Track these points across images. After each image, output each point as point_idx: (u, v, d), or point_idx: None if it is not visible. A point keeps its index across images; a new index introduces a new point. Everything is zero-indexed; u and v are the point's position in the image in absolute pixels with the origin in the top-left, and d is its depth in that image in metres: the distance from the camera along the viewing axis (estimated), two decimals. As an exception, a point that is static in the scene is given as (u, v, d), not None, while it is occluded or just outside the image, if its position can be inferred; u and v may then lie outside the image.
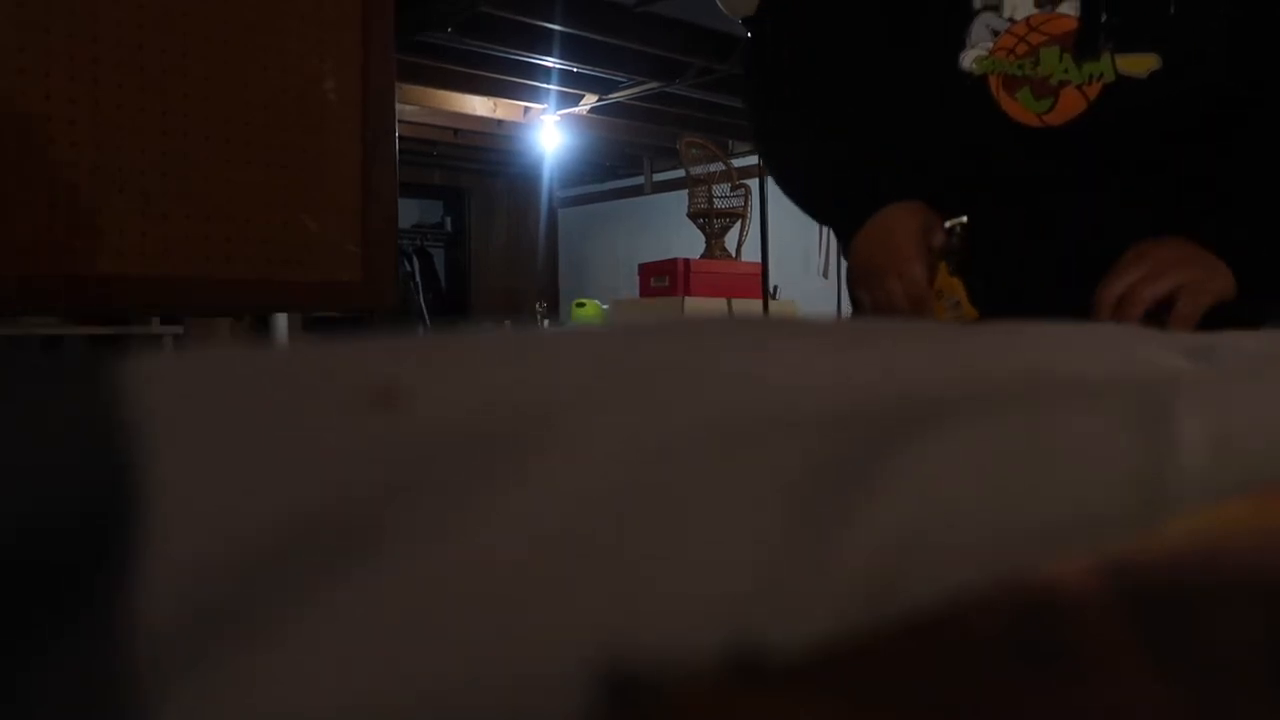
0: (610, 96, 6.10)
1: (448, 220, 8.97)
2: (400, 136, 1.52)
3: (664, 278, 4.93)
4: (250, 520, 0.16)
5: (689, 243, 5.90)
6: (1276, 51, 0.86)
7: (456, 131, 6.96)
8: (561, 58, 5.31)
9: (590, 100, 6.27)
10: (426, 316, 6.87)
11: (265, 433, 0.17)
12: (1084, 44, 0.87)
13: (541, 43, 5.09)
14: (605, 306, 5.97)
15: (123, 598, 0.15)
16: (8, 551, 0.15)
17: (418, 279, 7.83)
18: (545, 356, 0.22)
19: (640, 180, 8.43)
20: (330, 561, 0.16)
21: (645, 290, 5.05)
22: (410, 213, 8.54)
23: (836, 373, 0.25)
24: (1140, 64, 0.86)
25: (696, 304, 4.66)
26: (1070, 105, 0.88)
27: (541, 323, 7.03)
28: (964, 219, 0.86)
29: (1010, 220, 0.90)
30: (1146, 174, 0.88)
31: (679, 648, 0.18)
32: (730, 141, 7.08)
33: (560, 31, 4.91)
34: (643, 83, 5.80)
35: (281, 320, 1.73)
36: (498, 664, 0.16)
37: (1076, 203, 0.88)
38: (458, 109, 6.32)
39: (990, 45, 0.90)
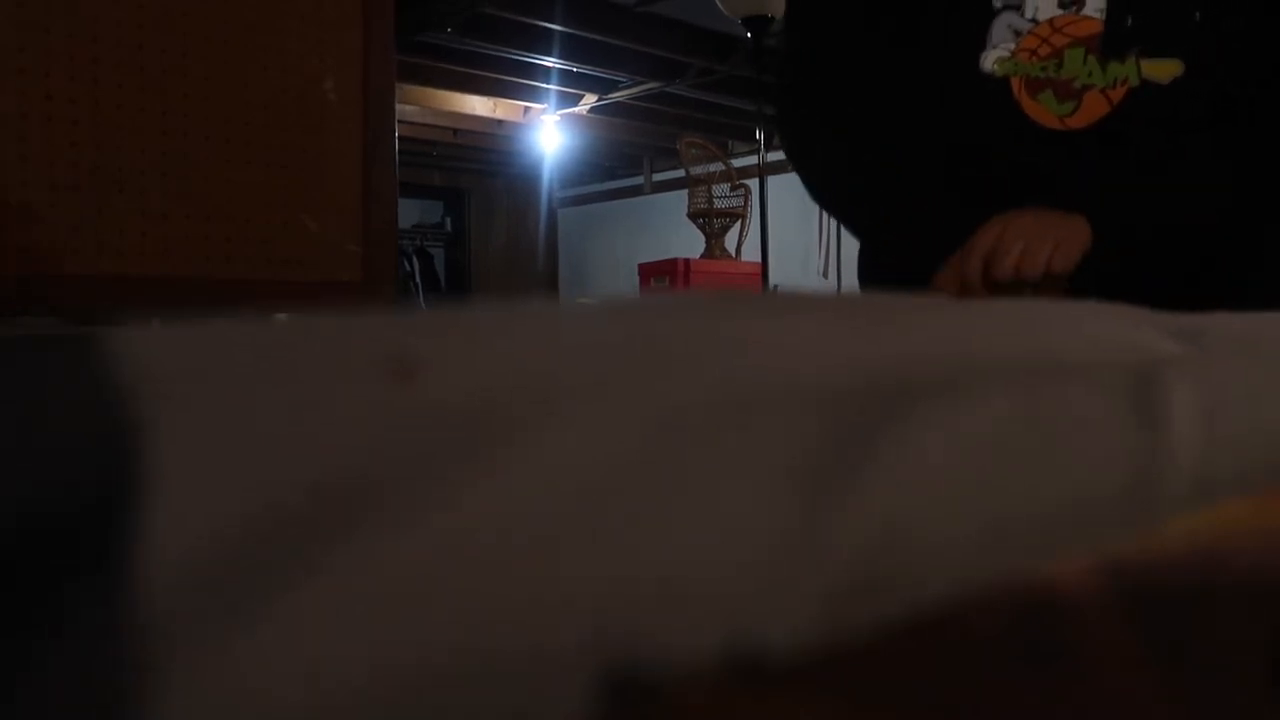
0: (610, 96, 6.10)
1: (448, 220, 8.96)
2: (400, 136, 1.52)
3: (664, 278, 4.93)
4: (255, 491, 0.16)
5: (689, 243, 5.90)
6: None
7: (456, 132, 6.96)
8: (561, 58, 5.30)
9: (590, 100, 6.26)
10: (426, 316, 6.84)
11: (274, 404, 0.17)
12: (1110, 46, 0.86)
13: (541, 43, 5.09)
14: (605, 306, 5.95)
15: (128, 570, 0.15)
16: (11, 527, 0.15)
17: (418, 279, 7.83)
18: (557, 332, 0.22)
19: (640, 180, 8.43)
20: (334, 533, 0.16)
21: (645, 290, 5.05)
22: (410, 213, 8.53)
23: (832, 350, 0.25)
24: (1165, 70, 0.85)
25: (696, 304, 4.65)
26: (1093, 109, 0.87)
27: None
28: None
29: None
30: (1164, 176, 0.87)
31: (679, 647, 0.18)
32: (730, 141, 7.08)
33: (560, 31, 4.91)
34: (642, 83, 5.79)
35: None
36: (499, 639, 0.16)
37: (1094, 205, 0.87)
38: (458, 109, 6.32)
39: (1013, 46, 0.89)
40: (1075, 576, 0.20)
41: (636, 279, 5.20)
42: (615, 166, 8.39)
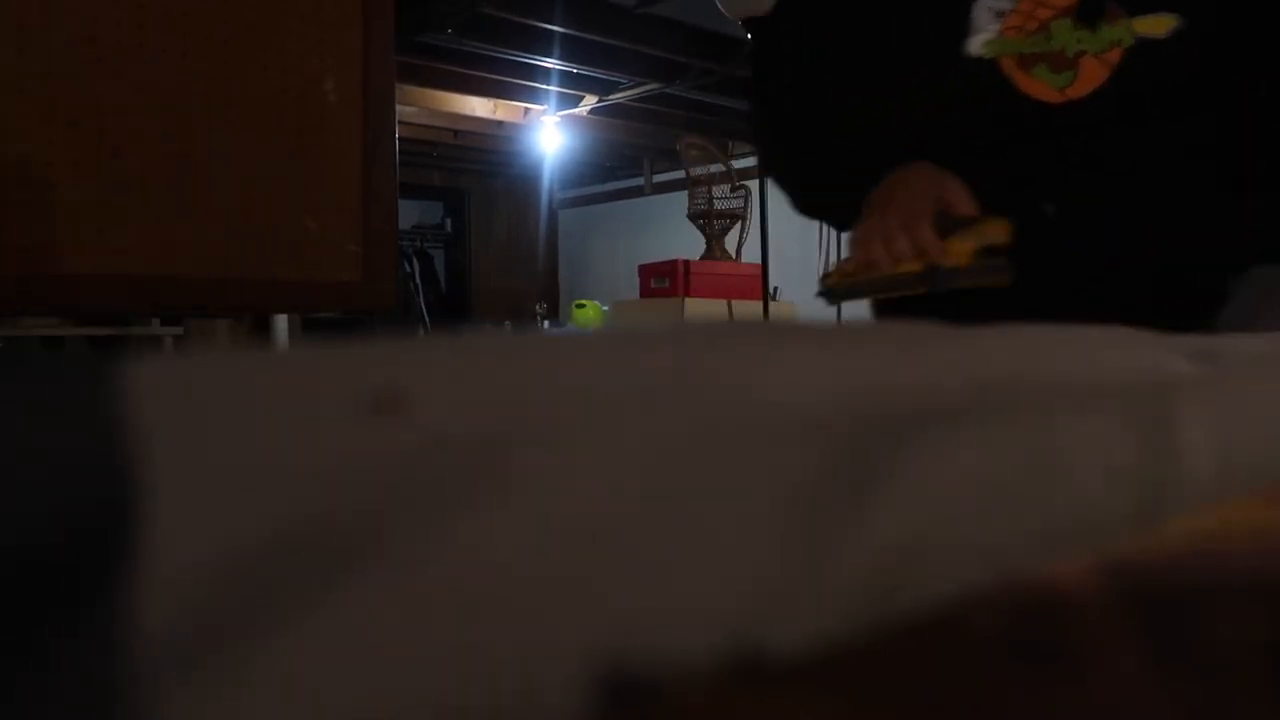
0: (610, 98, 6.10)
1: (448, 221, 8.96)
2: (400, 137, 1.52)
3: (664, 279, 4.92)
4: (251, 525, 0.16)
5: (689, 244, 5.89)
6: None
7: (456, 132, 6.96)
8: (561, 59, 5.30)
9: (590, 101, 6.26)
10: (427, 318, 6.86)
11: (267, 438, 0.17)
12: (1088, 10, 0.83)
13: (541, 43, 5.09)
14: (605, 308, 5.97)
15: (123, 601, 0.15)
16: (9, 553, 0.15)
17: (418, 280, 7.82)
18: (548, 362, 0.22)
19: (640, 181, 8.43)
20: (330, 567, 0.16)
21: (645, 291, 5.04)
22: (410, 214, 8.54)
23: (838, 377, 0.25)
24: (1158, 24, 0.82)
25: (697, 305, 4.66)
26: (1092, 75, 0.83)
27: (541, 324, 7.02)
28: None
29: (1042, 202, 0.86)
30: (1177, 147, 0.84)
31: (679, 649, 0.18)
32: (730, 143, 7.08)
33: (560, 32, 4.91)
34: (643, 84, 5.80)
35: (281, 321, 1.73)
36: (498, 667, 0.16)
37: (1108, 182, 0.85)
38: (458, 110, 6.32)
39: (997, 27, 0.87)
40: (1075, 576, 0.20)
41: (637, 280, 5.19)
42: (615, 167, 8.39)
